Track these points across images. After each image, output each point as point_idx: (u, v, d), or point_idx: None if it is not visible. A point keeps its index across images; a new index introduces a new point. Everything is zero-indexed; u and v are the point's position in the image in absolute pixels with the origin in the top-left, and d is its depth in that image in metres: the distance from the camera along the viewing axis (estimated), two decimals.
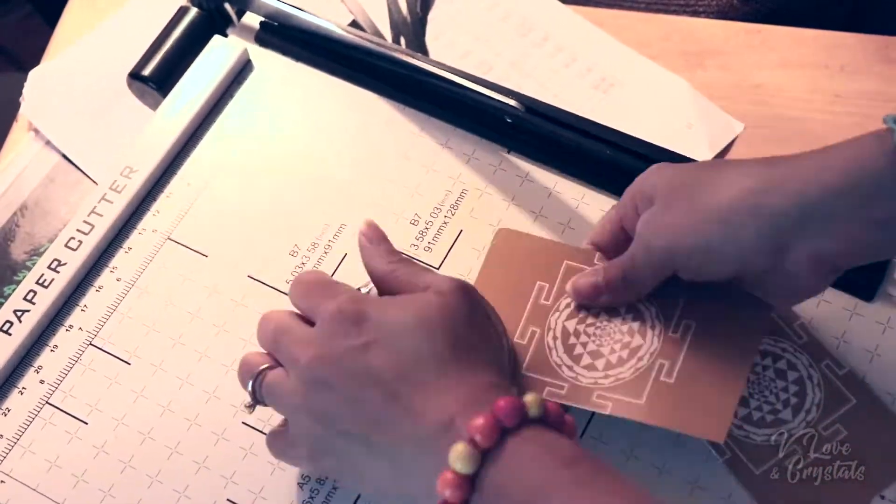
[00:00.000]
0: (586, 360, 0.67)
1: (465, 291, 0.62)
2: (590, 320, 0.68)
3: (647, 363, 0.66)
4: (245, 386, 0.64)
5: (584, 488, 0.54)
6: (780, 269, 0.62)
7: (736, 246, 0.62)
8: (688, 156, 0.77)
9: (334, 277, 0.71)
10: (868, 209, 0.59)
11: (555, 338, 0.68)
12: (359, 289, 0.67)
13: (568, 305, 0.69)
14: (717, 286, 0.66)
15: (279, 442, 0.66)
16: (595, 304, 0.68)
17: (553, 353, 0.67)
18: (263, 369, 0.64)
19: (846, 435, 0.67)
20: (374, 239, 0.66)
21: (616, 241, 0.69)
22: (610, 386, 0.65)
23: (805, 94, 0.84)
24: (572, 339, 0.68)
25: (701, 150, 0.81)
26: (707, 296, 0.67)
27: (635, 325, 0.67)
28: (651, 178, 0.66)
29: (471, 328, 0.61)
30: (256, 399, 0.64)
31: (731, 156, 0.81)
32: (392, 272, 0.65)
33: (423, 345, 0.59)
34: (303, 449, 0.63)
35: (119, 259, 0.77)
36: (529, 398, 0.57)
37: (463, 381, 0.59)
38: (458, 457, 0.55)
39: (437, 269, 0.75)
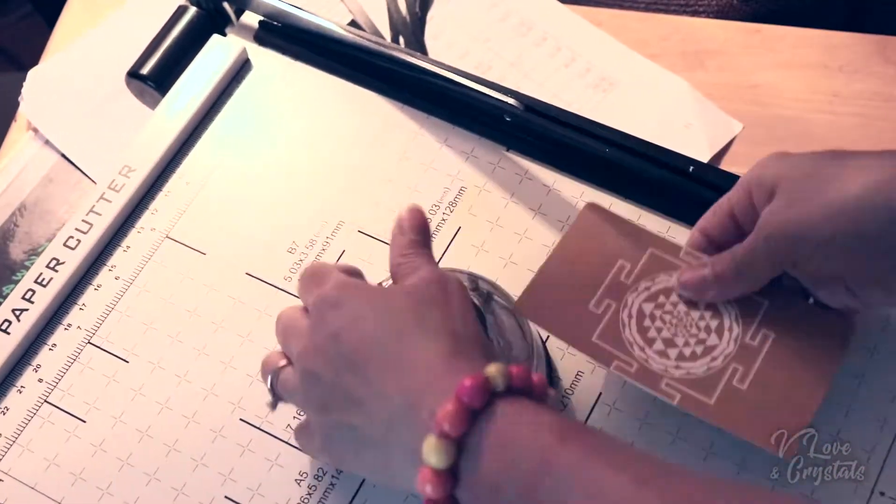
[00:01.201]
0: (659, 345, 0.67)
1: (440, 282, 0.61)
2: (668, 307, 0.68)
3: (721, 364, 0.66)
4: (266, 384, 0.64)
5: (587, 463, 0.52)
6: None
7: (863, 241, 0.61)
8: (687, 155, 0.77)
9: None
10: None
11: (630, 315, 0.68)
12: (381, 283, 0.67)
13: (647, 289, 0.69)
14: (801, 303, 0.67)
15: (302, 436, 0.66)
16: (702, 297, 0.67)
17: (626, 330, 0.67)
18: (280, 367, 0.63)
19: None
20: (404, 228, 0.65)
21: (725, 231, 0.68)
22: (680, 377, 0.66)
23: (804, 93, 0.84)
24: (647, 322, 0.68)
25: (700, 150, 0.81)
26: (790, 308, 0.67)
27: (713, 324, 0.68)
28: (771, 168, 0.65)
29: (435, 308, 0.59)
30: (276, 396, 0.64)
31: (729, 155, 0.82)
32: (398, 265, 0.63)
33: (384, 325, 0.58)
34: (316, 440, 0.63)
35: (117, 257, 0.77)
36: (491, 369, 0.54)
37: (422, 355, 0.57)
38: (431, 450, 0.53)
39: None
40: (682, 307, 0.68)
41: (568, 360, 0.72)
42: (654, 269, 0.70)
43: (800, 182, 0.63)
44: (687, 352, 0.67)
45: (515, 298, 0.68)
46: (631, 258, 0.70)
